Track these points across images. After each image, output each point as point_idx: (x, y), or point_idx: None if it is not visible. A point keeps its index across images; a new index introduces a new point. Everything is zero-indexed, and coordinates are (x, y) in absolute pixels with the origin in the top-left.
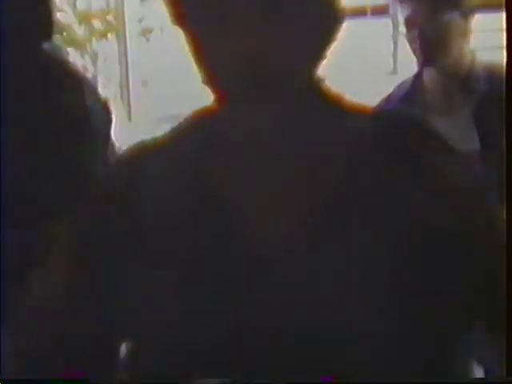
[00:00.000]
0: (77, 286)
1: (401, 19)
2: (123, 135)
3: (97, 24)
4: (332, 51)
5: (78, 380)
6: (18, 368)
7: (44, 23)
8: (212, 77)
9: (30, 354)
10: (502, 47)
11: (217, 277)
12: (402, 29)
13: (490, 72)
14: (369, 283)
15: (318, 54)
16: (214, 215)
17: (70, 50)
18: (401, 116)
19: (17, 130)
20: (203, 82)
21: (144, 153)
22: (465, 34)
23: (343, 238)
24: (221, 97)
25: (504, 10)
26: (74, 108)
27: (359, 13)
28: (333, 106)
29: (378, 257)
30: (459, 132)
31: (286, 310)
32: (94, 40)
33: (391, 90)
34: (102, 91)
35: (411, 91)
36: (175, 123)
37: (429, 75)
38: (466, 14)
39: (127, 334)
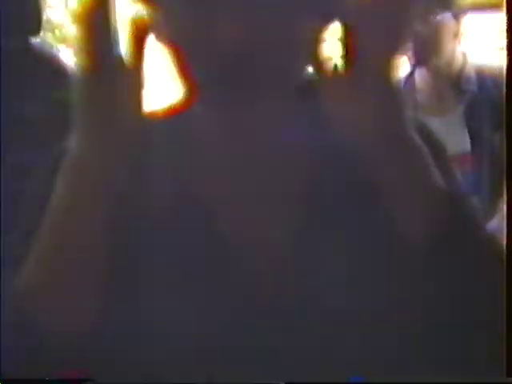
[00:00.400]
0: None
1: None
2: None
3: None
4: (322, 52)
5: (79, 380)
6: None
7: (33, 17)
8: (187, 66)
9: (30, 354)
10: (497, 49)
11: (196, 277)
12: None
13: (482, 73)
14: (352, 283)
15: (305, 51)
16: (191, 215)
17: (61, 47)
18: None
19: (6, 126)
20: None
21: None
22: (456, 34)
23: (328, 238)
24: (193, 90)
25: (505, 10)
26: (64, 104)
27: None
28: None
29: (362, 256)
30: (450, 132)
31: (271, 309)
32: None
33: None
34: None
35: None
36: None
37: (420, 75)
38: (458, 15)
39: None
